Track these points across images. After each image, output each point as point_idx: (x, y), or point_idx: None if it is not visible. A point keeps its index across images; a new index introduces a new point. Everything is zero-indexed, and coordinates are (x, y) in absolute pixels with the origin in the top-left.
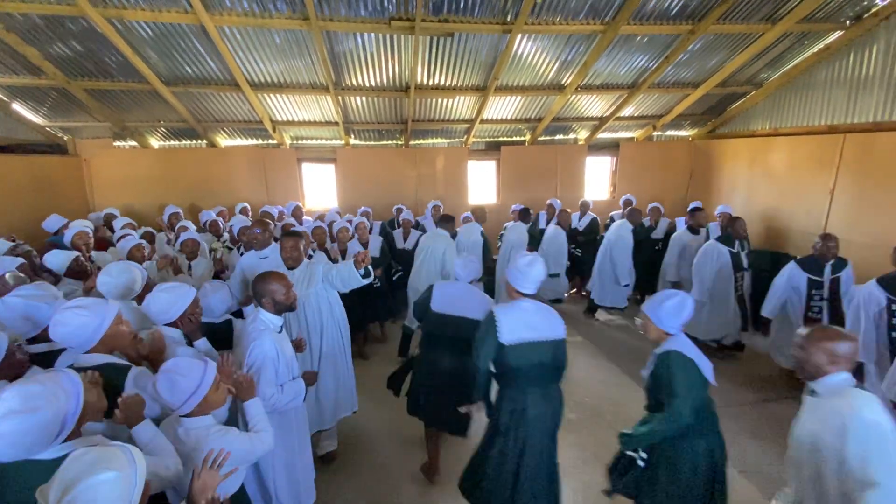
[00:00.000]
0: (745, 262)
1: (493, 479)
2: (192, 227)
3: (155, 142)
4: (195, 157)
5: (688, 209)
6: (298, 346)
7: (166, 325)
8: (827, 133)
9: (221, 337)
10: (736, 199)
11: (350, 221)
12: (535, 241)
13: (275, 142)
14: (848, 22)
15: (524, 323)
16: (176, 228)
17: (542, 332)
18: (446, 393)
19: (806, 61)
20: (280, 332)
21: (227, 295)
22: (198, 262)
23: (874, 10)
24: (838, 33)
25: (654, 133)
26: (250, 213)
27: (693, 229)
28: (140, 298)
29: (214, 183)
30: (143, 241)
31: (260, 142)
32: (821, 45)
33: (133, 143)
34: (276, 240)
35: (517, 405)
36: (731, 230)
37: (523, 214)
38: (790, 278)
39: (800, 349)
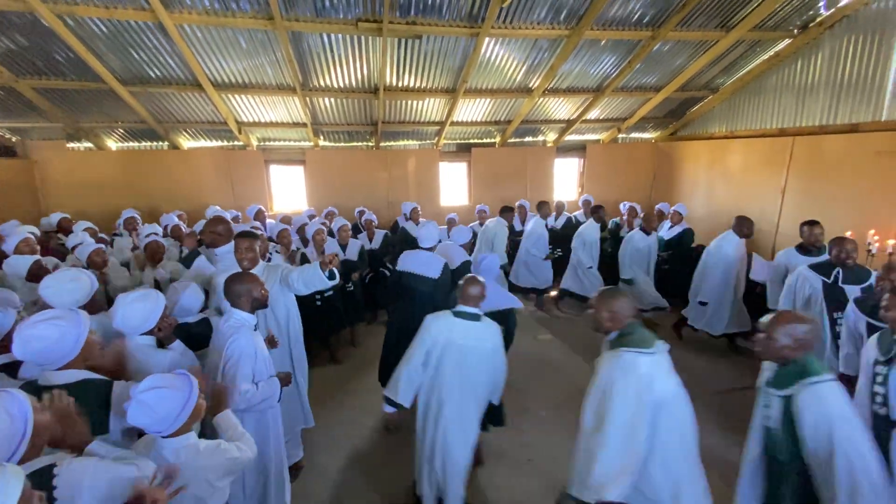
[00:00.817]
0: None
1: (385, 364)
2: (159, 229)
3: (112, 143)
4: (156, 159)
5: (801, 224)
6: (271, 342)
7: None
8: (778, 136)
9: (200, 338)
10: (697, 198)
11: (325, 224)
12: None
13: (241, 143)
14: (796, 31)
15: (412, 262)
16: (143, 235)
17: (421, 269)
18: None
19: (758, 67)
20: (255, 329)
21: (198, 290)
22: (164, 265)
23: (819, 19)
24: (787, 41)
25: (620, 135)
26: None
27: (806, 249)
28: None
29: (177, 186)
30: (103, 246)
31: (225, 143)
32: (771, 53)
33: (88, 144)
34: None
35: (397, 311)
36: (832, 255)
37: (596, 211)
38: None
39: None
